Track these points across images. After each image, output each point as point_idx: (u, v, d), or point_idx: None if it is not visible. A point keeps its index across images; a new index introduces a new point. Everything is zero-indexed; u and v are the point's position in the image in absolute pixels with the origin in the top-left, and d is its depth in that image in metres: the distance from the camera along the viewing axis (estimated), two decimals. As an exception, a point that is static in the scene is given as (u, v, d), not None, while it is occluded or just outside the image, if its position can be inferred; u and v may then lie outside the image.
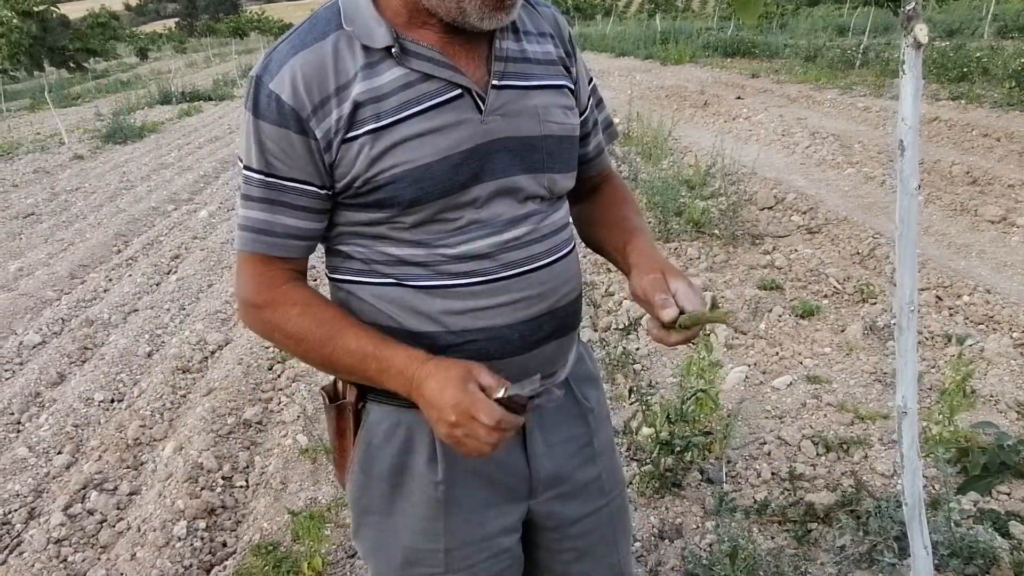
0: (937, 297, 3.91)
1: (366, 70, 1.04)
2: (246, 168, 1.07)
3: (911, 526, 1.23)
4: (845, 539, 2.24)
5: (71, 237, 6.68)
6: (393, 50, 1.03)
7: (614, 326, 3.76)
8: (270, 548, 2.54)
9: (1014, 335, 3.45)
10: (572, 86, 1.21)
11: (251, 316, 1.11)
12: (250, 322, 1.13)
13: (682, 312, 1.03)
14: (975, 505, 2.39)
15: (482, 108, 1.07)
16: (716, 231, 5.09)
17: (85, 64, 30.27)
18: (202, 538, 2.74)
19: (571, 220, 1.30)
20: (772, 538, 2.38)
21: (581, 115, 1.26)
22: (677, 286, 1.07)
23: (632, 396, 2.70)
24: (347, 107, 1.02)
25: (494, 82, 1.08)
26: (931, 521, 2.24)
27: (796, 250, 4.80)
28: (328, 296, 1.19)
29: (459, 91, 1.06)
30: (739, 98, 11.03)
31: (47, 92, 19.19)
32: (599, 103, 1.34)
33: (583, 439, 1.27)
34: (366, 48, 1.04)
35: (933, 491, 2.50)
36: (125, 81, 24.81)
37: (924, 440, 2.69)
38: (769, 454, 2.77)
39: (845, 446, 2.74)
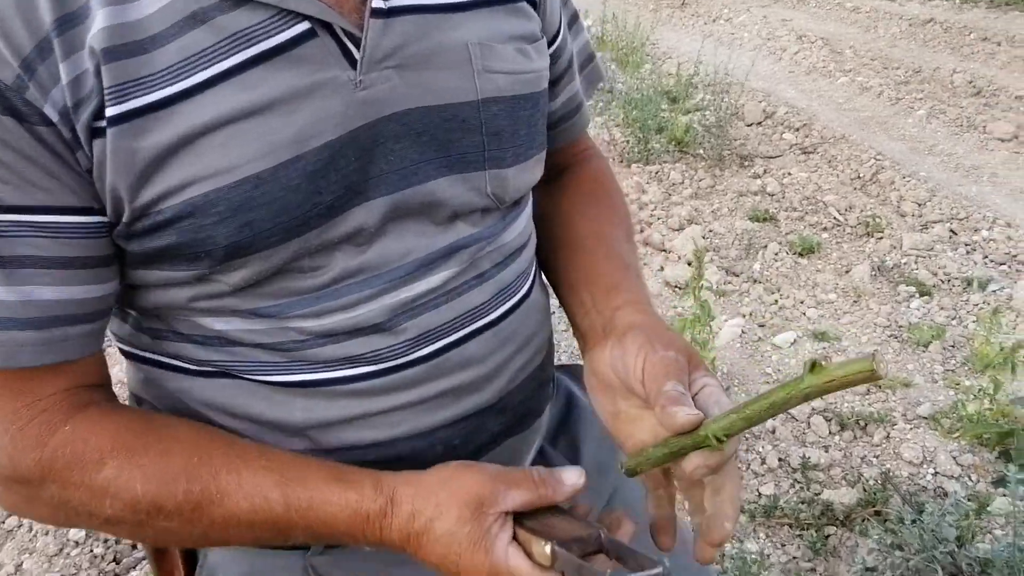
0: (951, 231, 3.49)
1: None
2: None
3: None
4: (872, 556, 1.86)
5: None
6: None
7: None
8: None
9: (1042, 278, 3.05)
10: None
11: (16, 497, 0.62)
12: (18, 506, 0.62)
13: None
14: (1019, 500, 2.01)
15: (356, 57, 0.59)
16: (701, 151, 4.58)
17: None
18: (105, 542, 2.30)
19: (533, 228, 0.81)
20: (783, 546, 1.99)
21: (550, 46, 0.74)
22: (705, 381, 0.63)
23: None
24: (83, 60, 0.52)
25: (377, 4, 0.59)
26: (978, 531, 1.86)
27: (789, 173, 4.32)
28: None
29: (306, 25, 0.57)
30: (718, -4, 10.30)
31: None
32: (573, 21, 0.82)
33: None
34: None
35: (969, 483, 2.12)
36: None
37: (956, 418, 2.29)
38: (774, 432, 2.37)
39: (863, 423, 2.35)
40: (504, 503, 0.60)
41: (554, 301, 0.85)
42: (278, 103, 0.56)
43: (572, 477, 0.64)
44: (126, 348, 0.70)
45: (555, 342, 0.86)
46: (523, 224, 0.75)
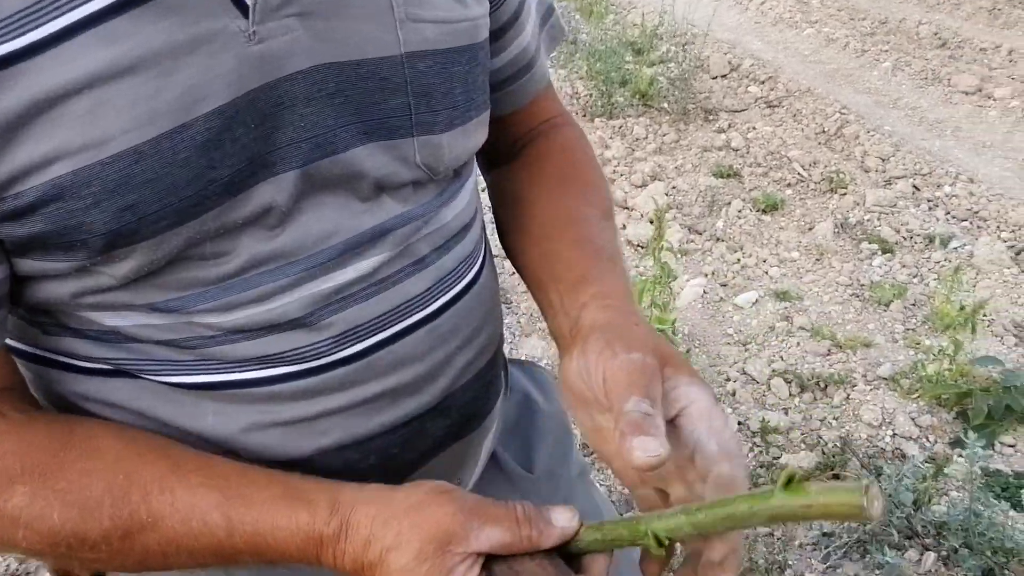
0: (915, 187, 3.46)
1: None
2: None
3: None
4: (830, 520, 1.84)
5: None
6: None
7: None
8: None
9: (1003, 235, 3.04)
10: None
11: None
12: None
13: (690, 450, 0.51)
14: (976, 463, 2.01)
15: (248, 3, 0.50)
16: (665, 104, 4.49)
17: None
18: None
19: (479, 204, 0.73)
20: (741, 511, 1.97)
21: None
22: (689, 393, 0.52)
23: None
24: None
25: None
26: (934, 494, 1.85)
27: (754, 127, 4.25)
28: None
29: None
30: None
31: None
32: None
33: None
34: None
35: (927, 444, 2.11)
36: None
37: (916, 378, 2.28)
38: (734, 395, 2.34)
39: (823, 384, 2.33)
40: (475, 543, 0.51)
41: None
42: (153, 61, 0.47)
43: (563, 518, 0.53)
44: (12, 343, 0.61)
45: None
46: (465, 201, 0.66)
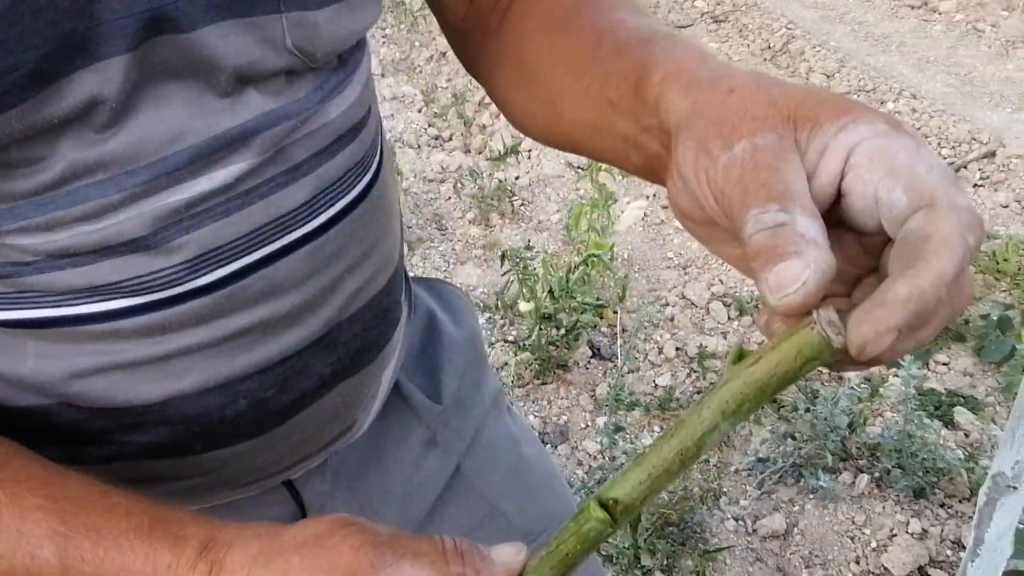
0: (859, 104, 3.39)
1: None
2: None
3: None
4: (765, 446, 1.82)
5: None
6: None
7: (488, 152, 3.09)
8: None
9: (944, 151, 3.01)
10: None
11: None
12: None
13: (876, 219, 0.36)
14: (912, 384, 2.00)
15: None
16: (609, 20, 4.32)
17: None
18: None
19: (374, 100, 0.61)
20: (677, 438, 1.94)
21: None
22: (843, 139, 0.36)
23: (506, 262, 2.10)
24: None
25: None
26: (869, 415, 1.83)
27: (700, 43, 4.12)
28: None
29: None
30: None
31: None
32: None
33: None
34: None
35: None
36: None
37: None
38: (672, 320, 2.29)
39: (761, 308, 2.28)
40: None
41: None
42: None
43: (506, 554, 0.42)
44: None
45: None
46: (355, 95, 0.54)
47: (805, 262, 0.33)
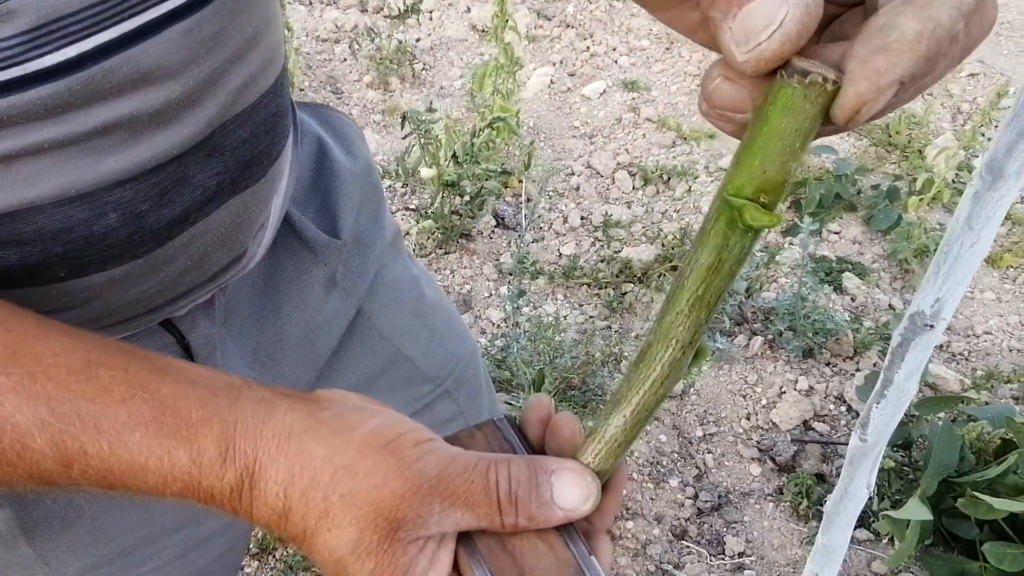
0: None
1: None
2: None
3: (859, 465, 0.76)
4: (668, 311, 1.84)
5: None
6: None
7: (387, 9, 2.88)
8: None
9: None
10: None
11: None
12: None
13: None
14: (805, 251, 2.06)
15: None
16: None
17: None
18: None
19: None
20: (580, 306, 1.95)
21: None
22: None
23: (407, 124, 1.99)
24: None
25: None
26: (765, 281, 1.88)
27: (609, -97, 3.92)
28: None
29: None
30: None
31: None
32: None
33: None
34: None
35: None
36: None
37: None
38: (578, 189, 2.26)
39: (666, 177, 2.28)
40: (435, 527, 0.36)
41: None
42: None
43: (573, 501, 0.38)
44: None
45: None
46: None
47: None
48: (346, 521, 0.35)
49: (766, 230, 0.31)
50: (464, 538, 0.38)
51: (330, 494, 0.36)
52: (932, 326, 0.58)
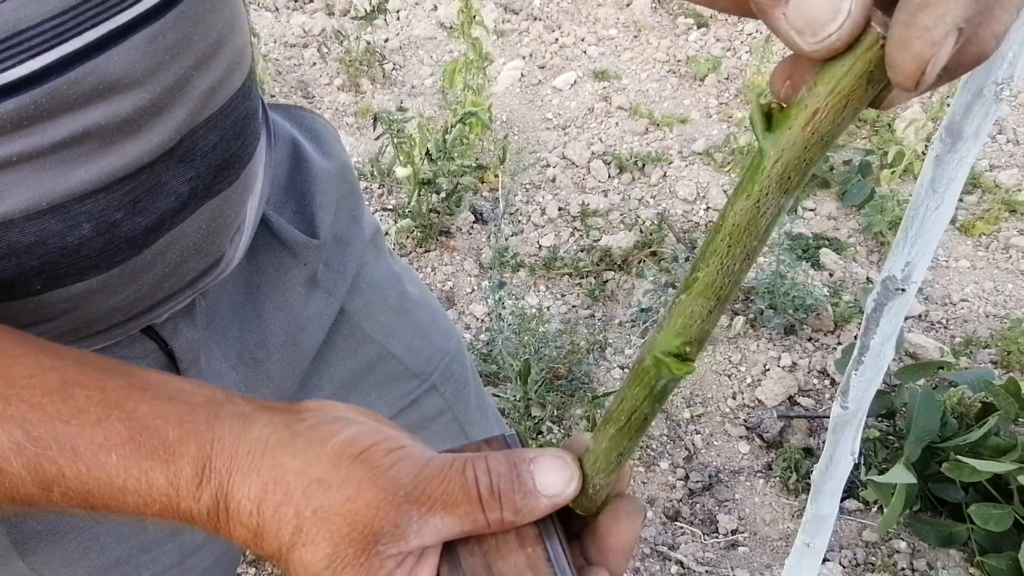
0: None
1: None
2: None
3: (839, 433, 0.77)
4: (648, 297, 1.86)
5: None
6: None
7: (354, 11, 2.87)
8: None
9: None
10: None
11: None
12: None
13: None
14: (781, 229, 2.08)
15: None
16: None
17: None
18: None
19: None
20: (562, 296, 1.95)
21: None
22: None
23: (378, 125, 1.99)
24: None
25: None
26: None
27: None
28: None
29: None
30: None
31: None
32: None
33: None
34: None
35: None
36: None
37: (728, 151, 2.29)
38: (554, 180, 2.27)
39: (640, 163, 2.29)
40: (416, 539, 0.35)
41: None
42: None
43: (553, 482, 0.37)
44: None
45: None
46: None
47: None
48: (320, 536, 0.34)
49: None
50: (449, 556, 0.37)
51: (303, 509, 0.35)
52: (904, 290, 0.59)
